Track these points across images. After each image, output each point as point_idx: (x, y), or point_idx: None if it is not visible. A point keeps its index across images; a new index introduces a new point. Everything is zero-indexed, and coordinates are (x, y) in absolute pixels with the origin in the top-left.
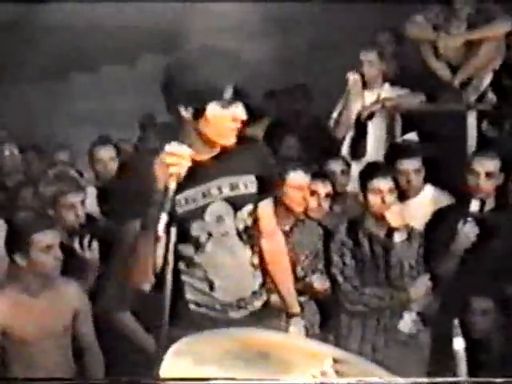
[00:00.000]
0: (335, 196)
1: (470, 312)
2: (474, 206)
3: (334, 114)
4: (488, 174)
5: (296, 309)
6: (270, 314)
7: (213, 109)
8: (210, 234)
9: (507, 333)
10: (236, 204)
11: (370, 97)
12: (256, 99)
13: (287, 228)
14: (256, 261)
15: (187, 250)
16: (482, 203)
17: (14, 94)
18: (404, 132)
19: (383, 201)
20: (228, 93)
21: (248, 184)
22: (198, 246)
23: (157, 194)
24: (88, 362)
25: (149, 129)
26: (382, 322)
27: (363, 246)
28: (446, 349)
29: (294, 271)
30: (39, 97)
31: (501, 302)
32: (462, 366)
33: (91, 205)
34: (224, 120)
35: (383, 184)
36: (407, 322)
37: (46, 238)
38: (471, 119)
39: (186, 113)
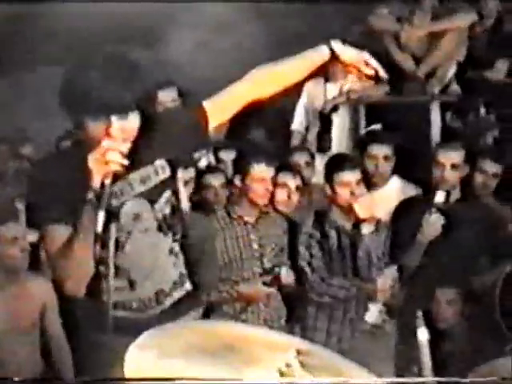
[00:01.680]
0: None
1: (436, 302)
2: (440, 197)
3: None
4: (453, 166)
5: None
6: (188, 306)
7: (114, 123)
8: (129, 233)
9: (472, 323)
10: (151, 197)
11: (333, 89)
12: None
13: (252, 220)
14: (177, 248)
15: (106, 252)
16: (448, 194)
17: None
18: (368, 124)
19: (352, 193)
20: (169, 94)
21: (159, 170)
22: (117, 247)
23: (91, 192)
24: (56, 357)
25: None
26: (349, 313)
27: (330, 238)
28: (412, 339)
29: (261, 263)
30: (5, 89)
31: (466, 293)
32: (426, 356)
33: None
34: (120, 133)
35: (351, 176)
36: (373, 313)
37: (12, 230)
38: (435, 110)
39: (95, 128)
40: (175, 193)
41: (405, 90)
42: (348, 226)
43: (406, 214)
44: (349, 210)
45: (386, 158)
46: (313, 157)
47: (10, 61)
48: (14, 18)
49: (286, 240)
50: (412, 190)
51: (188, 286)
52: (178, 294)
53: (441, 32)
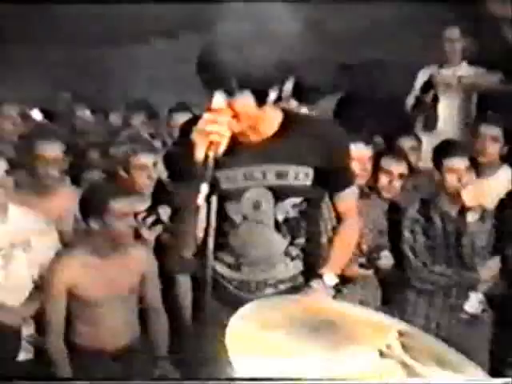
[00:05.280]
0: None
1: None
2: None
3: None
4: None
5: (325, 270)
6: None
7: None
8: (245, 218)
9: None
10: (280, 193)
11: (446, 74)
12: (330, 72)
13: None
14: (295, 252)
15: (223, 225)
16: None
17: (93, 57)
18: (479, 111)
19: (459, 180)
20: (288, 86)
21: (300, 175)
22: (233, 226)
23: (196, 163)
24: (153, 324)
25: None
26: (449, 301)
27: (435, 224)
28: (510, 330)
29: (358, 245)
30: (117, 60)
31: None
32: None
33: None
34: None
35: (460, 163)
36: (473, 303)
37: (123, 206)
38: None
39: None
40: (308, 200)
41: None
42: (454, 212)
43: None
44: (456, 197)
45: (494, 138)
46: (419, 141)
47: (121, 33)
48: None
49: (385, 222)
50: None
51: (300, 279)
52: (283, 287)
53: None
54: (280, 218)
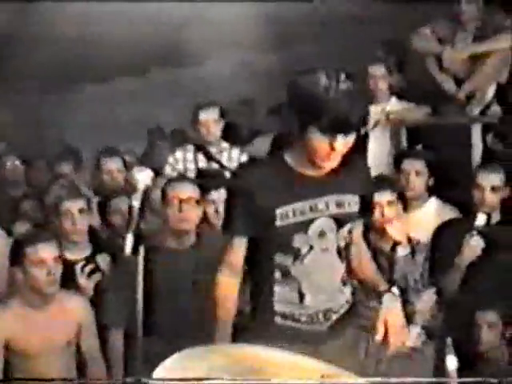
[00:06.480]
0: None
1: (476, 325)
2: (480, 219)
3: None
4: (493, 188)
5: (384, 286)
6: (351, 323)
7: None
8: (311, 248)
9: None
10: (340, 221)
11: (376, 111)
12: (262, 112)
13: None
14: (345, 277)
15: (285, 260)
16: (488, 217)
17: (21, 105)
18: (409, 145)
19: (382, 214)
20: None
21: (352, 203)
22: (297, 257)
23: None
24: (91, 375)
25: (157, 140)
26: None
27: None
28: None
29: None
30: (47, 108)
31: (506, 316)
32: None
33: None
34: (322, 147)
35: (382, 197)
36: (412, 336)
37: (39, 251)
38: (476, 132)
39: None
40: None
41: (446, 112)
42: (386, 247)
43: (445, 236)
44: (385, 232)
45: (417, 173)
46: None
47: (50, 80)
48: (51, 36)
49: None
50: (451, 212)
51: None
52: (343, 311)
53: (483, 53)
54: (342, 244)
